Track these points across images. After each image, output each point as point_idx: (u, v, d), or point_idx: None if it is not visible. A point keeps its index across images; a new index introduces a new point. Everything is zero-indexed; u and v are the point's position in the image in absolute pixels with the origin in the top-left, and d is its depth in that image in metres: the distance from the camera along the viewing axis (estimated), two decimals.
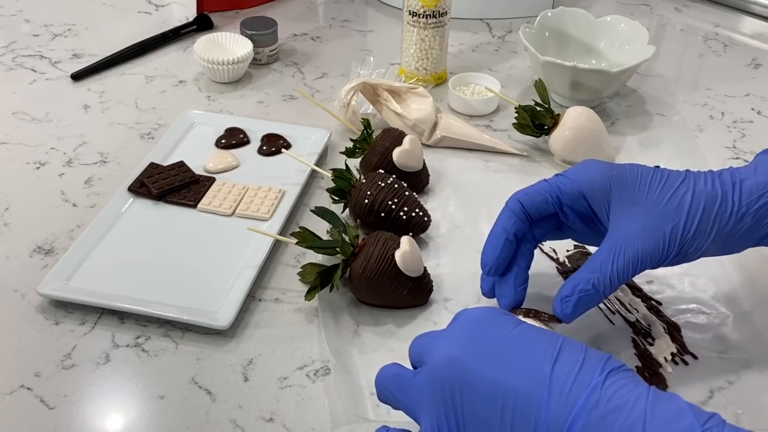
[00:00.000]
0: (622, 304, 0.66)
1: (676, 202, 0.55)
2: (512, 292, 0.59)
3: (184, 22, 1.07)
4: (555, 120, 0.81)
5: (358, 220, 0.70)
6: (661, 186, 0.56)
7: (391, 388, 0.50)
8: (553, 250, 0.71)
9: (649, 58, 0.89)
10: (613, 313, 0.65)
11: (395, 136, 0.77)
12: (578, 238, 0.62)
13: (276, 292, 0.67)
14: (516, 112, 0.83)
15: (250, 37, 0.97)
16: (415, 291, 0.64)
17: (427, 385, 0.47)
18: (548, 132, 0.82)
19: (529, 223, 0.59)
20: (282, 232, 0.71)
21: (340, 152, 0.80)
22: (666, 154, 0.85)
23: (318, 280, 0.63)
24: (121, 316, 0.64)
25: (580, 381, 0.43)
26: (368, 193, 0.69)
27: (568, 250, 0.71)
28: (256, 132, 0.85)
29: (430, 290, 0.66)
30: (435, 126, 0.85)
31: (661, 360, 0.61)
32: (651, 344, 0.62)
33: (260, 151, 0.82)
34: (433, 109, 0.84)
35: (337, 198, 0.73)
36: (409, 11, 0.91)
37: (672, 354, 0.61)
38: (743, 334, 0.63)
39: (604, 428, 0.41)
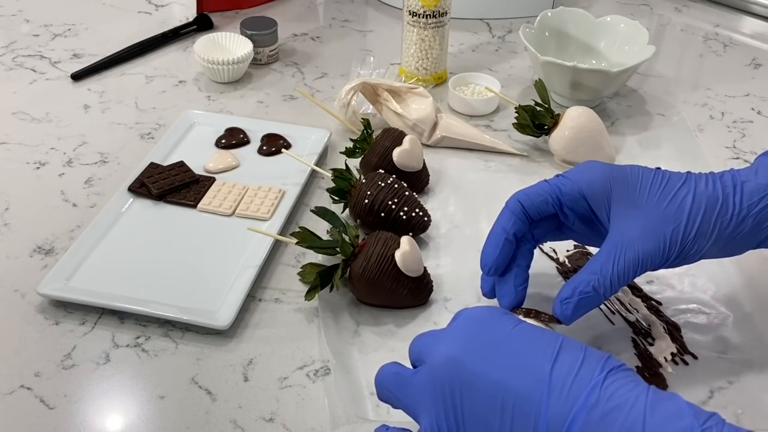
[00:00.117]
0: (622, 304, 0.66)
1: (677, 204, 0.55)
2: (512, 292, 0.59)
3: (184, 22, 1.07)
4: (555, 120, 0.81)
5: (358, 220, 0.70)
6: (661, 188, 0.56)
7: (390, 387, 0.50)
8: (553, 250, 0.71)
9: (649, 58, 0.89)
10: (613, 313, 0.65)
11: (395, 136, 0.77)
12: (578, 239, 0.62)
13: (276, 292, 0.67)
14: (516, 112, 0.83)
15: (250, 37, 0.97)
16: (415, 291, 0.64)
17: (427, 385, 0.47)
18: (548, 132, 0.82)
19: (528, 224, 0.59)
20: (282, 232, 0.71)
21: (340, 152, 0.80)
22: (666, 154, 0.85)
23: (318, 280, 0.63)
24: (121, 316, 0.64)
25: (579, 380, 0.43)
26: (368, 193, 0.69)
27: (568, 250, 0.71)
28: (256, 132, 0.85)
29: (430, 290, 0.66)
30: (435, 126, 0.85)
31: (661, 360, 0.61)
32: (651, 344, 0.62)
33: (260, 151, 0.82)
34: (433, 109, 0.84)
35: (337, 198, 0.73)
36: (409, 11, 0.91)
37: (672, 354, 0.61)
38: (743, 334, 0.63)
39: (603, 427, 0.41)
